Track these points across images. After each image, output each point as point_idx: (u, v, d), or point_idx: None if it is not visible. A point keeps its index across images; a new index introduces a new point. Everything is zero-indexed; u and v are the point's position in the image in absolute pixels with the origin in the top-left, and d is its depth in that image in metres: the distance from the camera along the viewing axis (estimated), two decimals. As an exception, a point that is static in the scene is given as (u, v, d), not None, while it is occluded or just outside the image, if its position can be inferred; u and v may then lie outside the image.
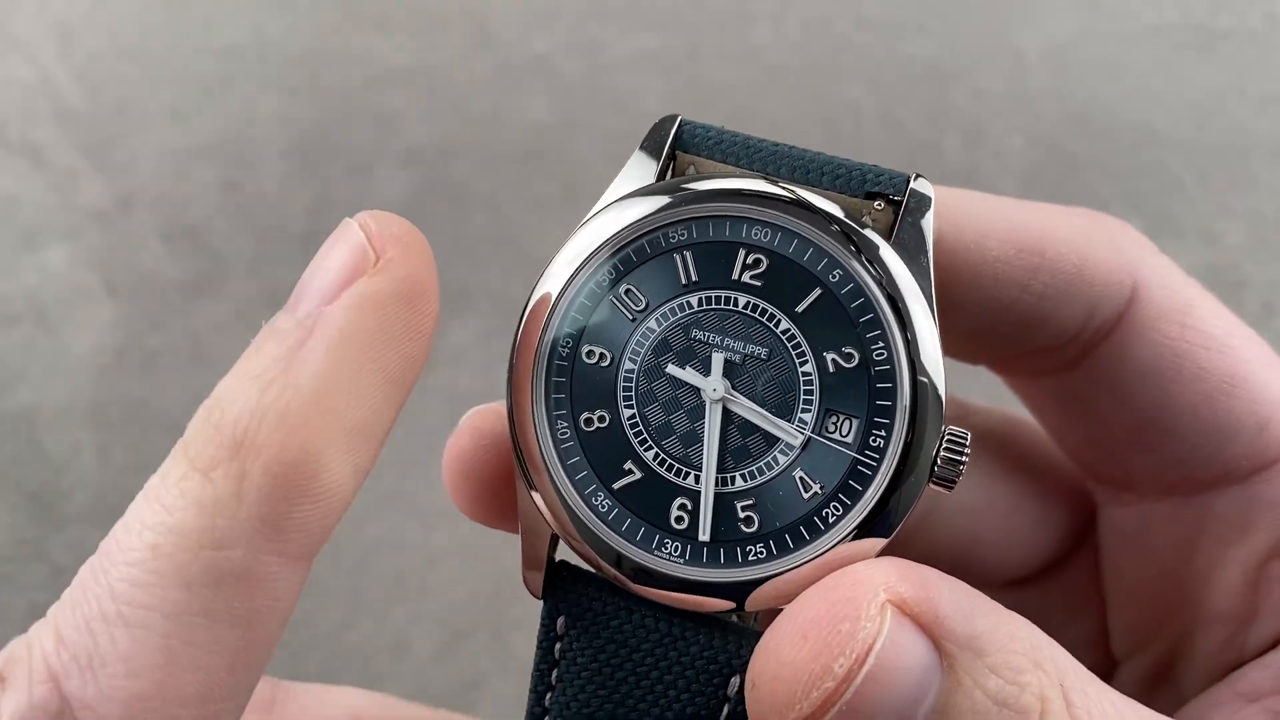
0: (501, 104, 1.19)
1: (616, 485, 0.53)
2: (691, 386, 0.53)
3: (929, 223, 0.53)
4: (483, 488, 0.58)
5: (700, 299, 0.53)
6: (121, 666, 0.43)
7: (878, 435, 0.51)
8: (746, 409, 0.52)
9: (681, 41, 1.19)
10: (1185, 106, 1.15)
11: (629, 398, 0.53)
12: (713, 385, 0.53)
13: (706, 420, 0.53)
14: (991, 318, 0.61)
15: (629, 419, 0.53)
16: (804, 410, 0.52)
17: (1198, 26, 1.15)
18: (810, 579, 0.48)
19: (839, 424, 0.52)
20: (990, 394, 0.72)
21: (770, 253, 0.53)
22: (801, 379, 0.52)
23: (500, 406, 0.57)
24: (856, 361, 0.52)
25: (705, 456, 0.53)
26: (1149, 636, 0.68)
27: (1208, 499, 0.63)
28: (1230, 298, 0.62)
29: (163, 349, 1.16)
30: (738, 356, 0.53)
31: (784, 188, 0.53)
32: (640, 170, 0.55)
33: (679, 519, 0.53)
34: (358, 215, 0.49)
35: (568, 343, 0.54)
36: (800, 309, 0.52)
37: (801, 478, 0.52)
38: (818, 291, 0.52)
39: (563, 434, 0.53)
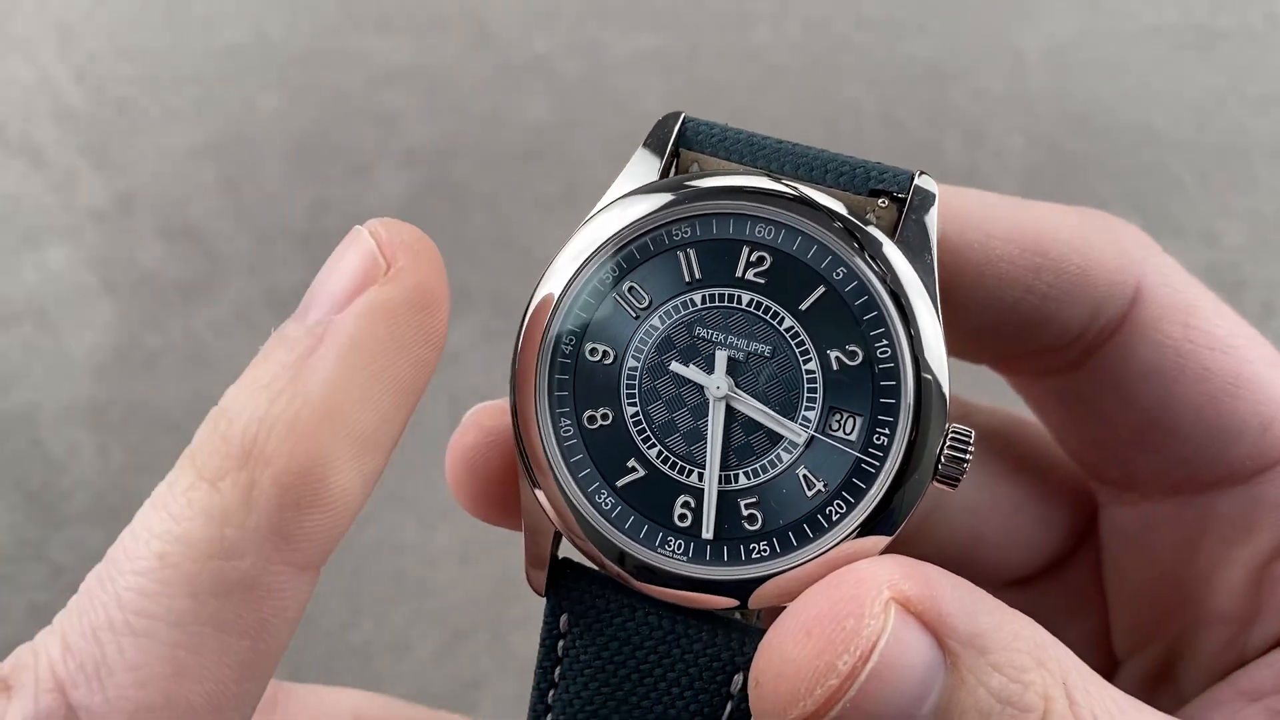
0: (501, 104, 1.19)
1: (620, 483, 0.53)
2: (695, 384, 0.53)
3: (933, 220, 0.53)
4: (486, 485, 0.58)
5: (704, 296, 0.53)
6: (128, 676, 0.43)
7: (881, 433, 0.51)
8: (750, 407, 0.52)
9: (681, 41, 1.19)
10: (1185, 106, 1.15)
11: (632, 395, 0.53)
12: (716, 383, 0.53)
13: (710, 418, 0.53)
14: (994, 317, 0.61)
15: (632, 417, 0.53)
16: (807, 408, 0.52)
17: (1198, 26, 1.15)
18: (813, 577, 0.48)
19: (843, 422, 0.52)
20: (993, 394, 0.72)
21: (774, 250, 0.53)
22: (805, 377, 0.52)
23: (503, 404, 0.57)
24: (860, 359, 0.52)
25: (708, 454, 0.53)
26: (1150, 636, 0.68)
27: (1210, 499, 0.63)
28: (1230, 298, 0.62)
29: (163, 349, 1.16)
30: (741, 354, 0.53)
31: (787, 185, 0.53)
32: (643, 167, 0.55)
33: (682, 517, 0.53)
34: (368, 223, 0.49)
35: (571, 340, 0.54)
36: (804, 306, 0.52)
37: (805, 475, 0.52)
38: (821, 289, 0.52)
39: (566, 431, 0.53)
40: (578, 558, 0.55)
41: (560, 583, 0.56)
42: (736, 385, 0.53)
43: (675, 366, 0.53)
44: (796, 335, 0.52)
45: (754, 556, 0.52)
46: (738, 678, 0.54)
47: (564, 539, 0.55)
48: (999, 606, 0.48)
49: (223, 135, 1.19)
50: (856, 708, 0.44)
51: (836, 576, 0.47)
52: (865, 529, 0.51)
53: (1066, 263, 0.59)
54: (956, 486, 0.51)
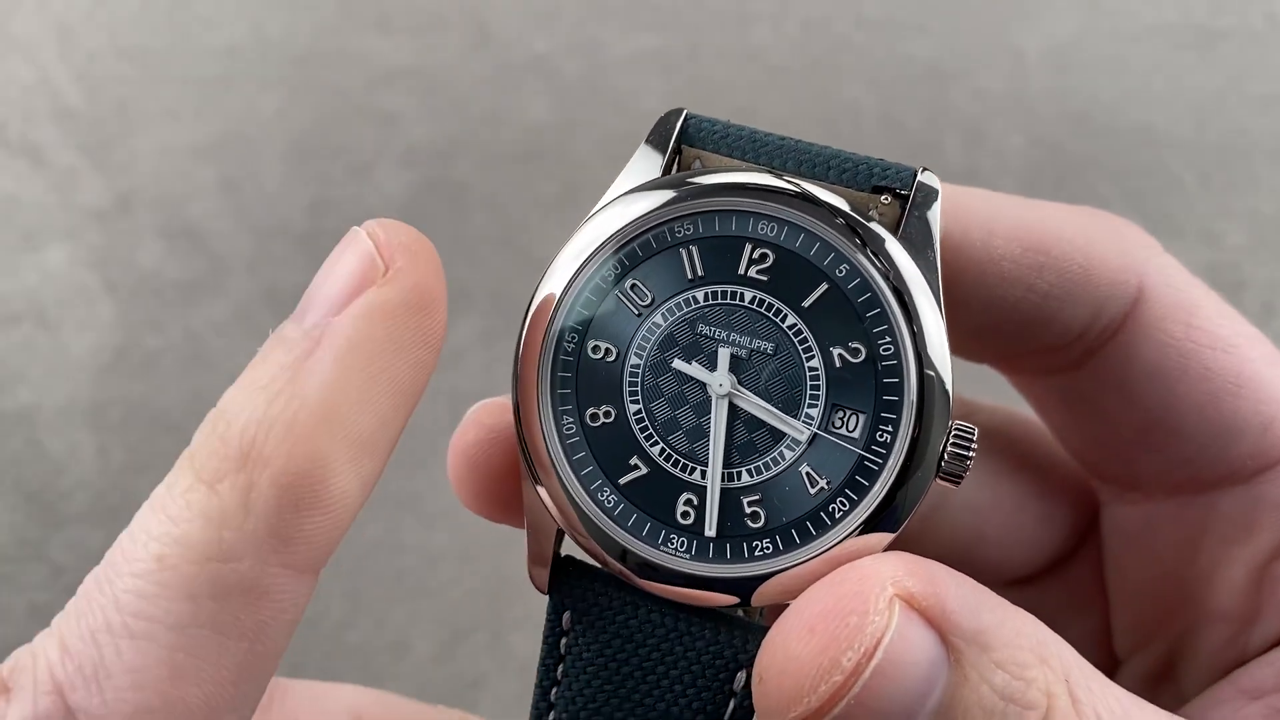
0: (501, 104, 1.19)
1: (622, 480, 0.53)
2: (697, 382, 0.53)
3: (936, 216, 0.53)
4: (488, 482, 0.58)
5: (706, 294, 0.53)
6: (127, 678, 0.42)
7: (884, 430, 0.51)
8: (752, 404, 0.52)
9: (681, 41, 1.19)
10: (1185, 106, 1.15)
11: (635, 393, 0.53)
12: (719, 380, 0.53)
13: (712, 415, 0.53)
14: (997, 316, 0.61)
15: (635, 414, 0.53)
16: (810, 405, 0.52)
17: (1198, 26, 1.15)
18: (816, 574, 0.48)
19: (845, 419, 0.52)
20: (995, 393, 0.72)
21: (776, 247, 0.53)
22: (808, 374, 0.52)
23: (505, 401, 0.57)
24: (863, 356, 0.52)
25: (711, 452, 0.53)
26: (1151, 635, 0.68)
27: (1212, 499, 0.63)
28: (1230, 298, 0.62)
29: (163, 349, 1.16)
30: (744, 351, 0.53)
31: (790, 182, 0.53)
32: (646, 164, 0.55)
33: (685, 514, 0.53)
34: (365, 224, 0.49)
35: (573, 338, 0.54)
36: (807, 304, 0.52)
37: (808, 473, 0.52)
38: (824, 286, 0.52)
39: (568, 429, 0.53)
40: (580, 555, 0.55)
41: (563, 580, 0.56)
42: (739, 383, 0.53)
43: (678, 364, 0.53)
44: (799, 332, 0.52)
45: (757, 554, 0.52)
46: (740, 675, 0.54)
47: (566, 537, 0.55)
48: (1002, 604, 0.48)
49: (223, 135, 1.19)
50: (860, 704, 0.44)
51: (840, 573, 0.47)
52: (868, 526, 0.51)
53: (1069, 262, 0.59)
54: (960, 484, 0.51)
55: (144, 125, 1.19)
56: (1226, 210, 1.14)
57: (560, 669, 0.56)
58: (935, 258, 0.52)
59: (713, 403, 0.53)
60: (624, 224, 0.53)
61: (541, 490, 0.54)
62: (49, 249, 1.17)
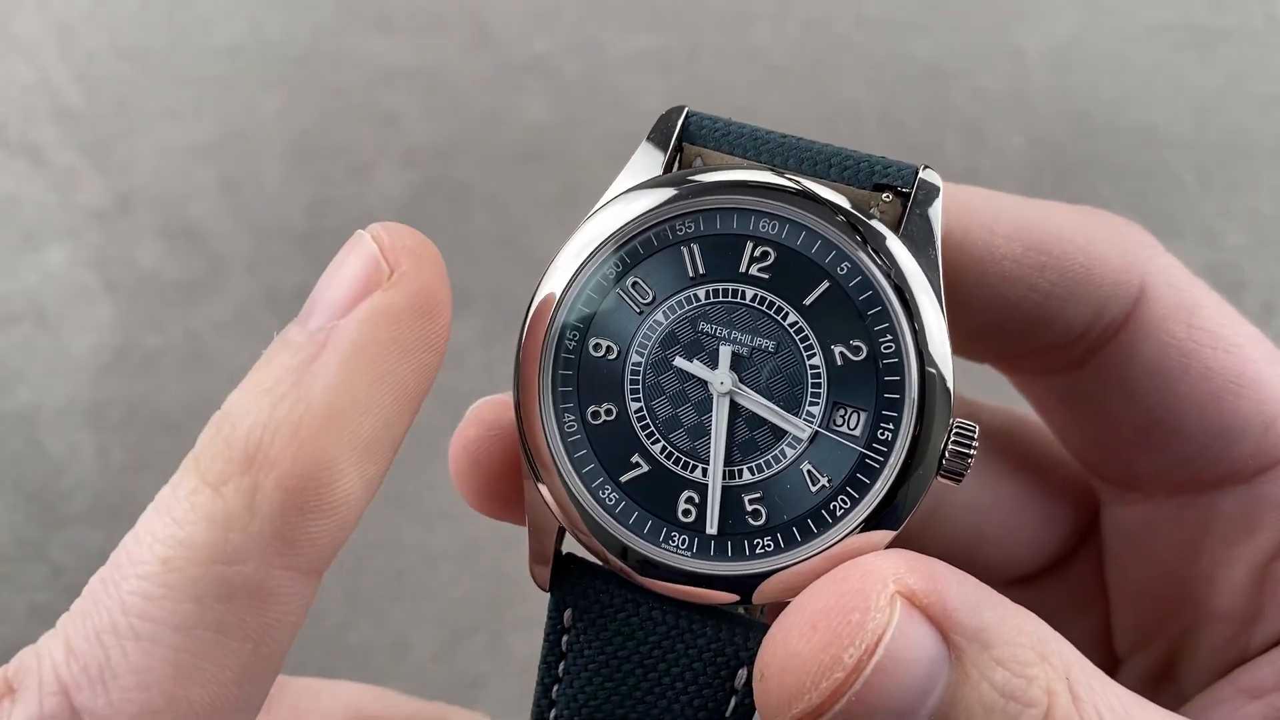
0: (501, 104, 1.19)
1: (624, 478, 0.53)
2: (699, 379, 0.53)
3: (937, 214, 0.53)
4: (489, 479, 0.58)
5: (708, 292, 0.53)
6: (132, 679, 0.43)
7: (885, 428, 0.51)
8: (754, 402, 0.52)
9: (681, 41, 1.18)
10: (1185, 106, 1.15)
11: (636, 391, 0.53)
12: (720, 378, 0.53)
13: (714, 413, 0.53)
14: (998, 315, 0.61)
15: (636, 412, 0.53)
16: (811, 403, 0.52)
17: (1198, 26, 1.15)
18: (818, 572, 0.48)
19: (847, 417, 0.52)
20: (995, 393, 0.72)
21: (778, 245, 0.53)
22: (809, 372, 0.52)
23: (506, 398, 0.57)
24: (864, 354, 0.52)
25: (712, 450, 0.53)
26: (1152, 635, 0.68)
27: (1213, 498, 0.63)
28: (1230, 298, 0.62)
29: (163, 349, 1.15)
30: (745, 349, 0.53)
31: (791, 179, 0.53)
32: (647, 161, 0.55)
33: (686, 512, 0.53)
34: (370, 227, 0.49)
35: (574, 335, 0.54)
36: (808, 301, 0.52)
37: (809, 471, 0.52)
38: (825, 284, 0.52)
39: (570, 427, 0.53)
40: (581, 553, 0.55)
41: (564, 578, 0.56)
42: (740, 380, 0.53)
43: (679, 362, 0.53)
44: (800, 330, 0.52)
45: (758, 552, 0.52)
46: (742, 672, 0.54)
47: (568, 534, 0.55)
48: (1003, 601, 0.48)
49: (223, 135, 1.19)
50: (861, 701, 0.44)
51: (842, 570, 0.47)
52: (869, 524, 0.51)
53: (1070, 261, 0.59)
54: (961, 481, 0.52)
55: (144, 125, 1.19)
56: (1226, 210, 1.14)
57: (562, 666, 0.56)
58: (936, 255, 0.52)
59: (714, 400, 0.53)
60: (625, 222, 0.54)
61: (543, 488, 0.54)
62: (49, 249, 1.17)
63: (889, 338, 0.51)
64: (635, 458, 0.53)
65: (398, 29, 1.20)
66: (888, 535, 0.51)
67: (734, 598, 0.52)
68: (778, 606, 0.49)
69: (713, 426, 0.53)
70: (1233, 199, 1.15)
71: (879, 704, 0.45)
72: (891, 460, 0.51)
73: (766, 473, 0.52)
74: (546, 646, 0.56)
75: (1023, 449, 0.71)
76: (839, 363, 0.52)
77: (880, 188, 0.54)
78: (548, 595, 0.57)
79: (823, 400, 0.52)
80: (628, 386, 0.53)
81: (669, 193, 0.53)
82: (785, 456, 0.52)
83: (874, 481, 0.51)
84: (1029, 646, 0.47)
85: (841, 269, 0.52)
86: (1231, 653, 0.63)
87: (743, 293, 0.53)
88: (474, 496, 0.59)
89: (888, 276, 0.51)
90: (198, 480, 0.45)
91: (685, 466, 0.53)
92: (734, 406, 0.53)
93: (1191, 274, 0.62)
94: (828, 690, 0.45)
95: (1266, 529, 0.61)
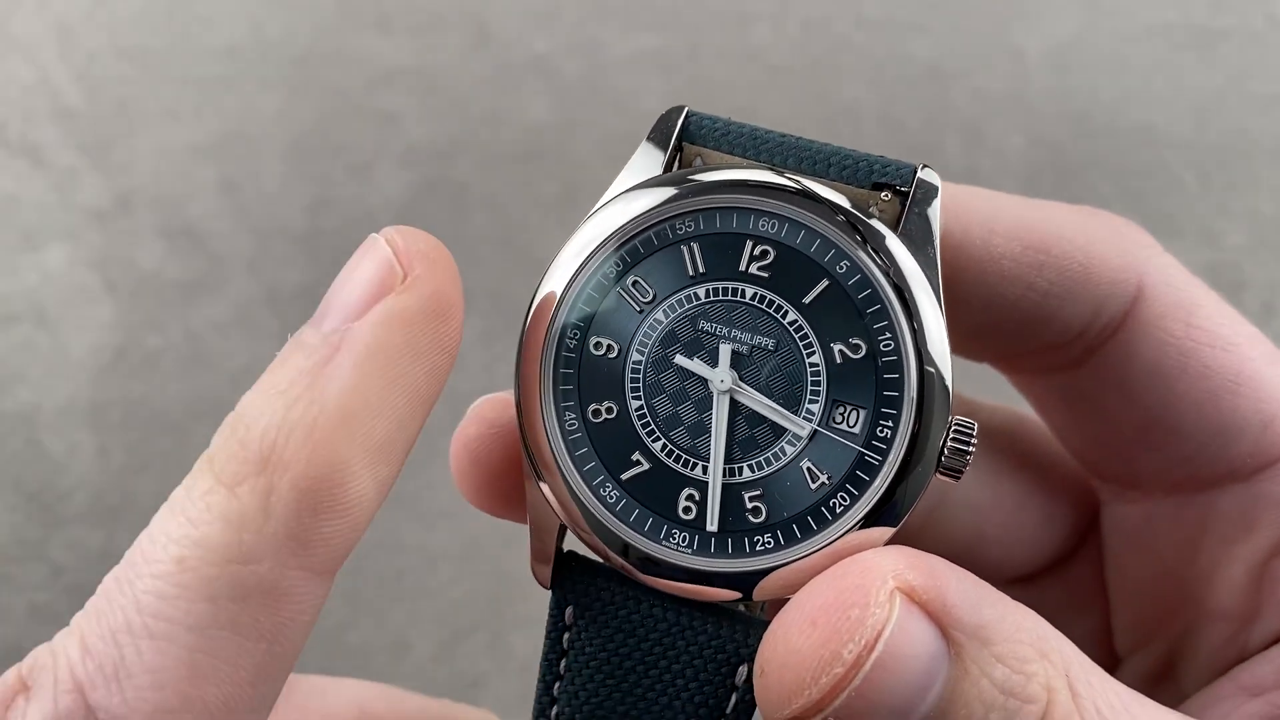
0: (501, 104, 1.19)
1: (624, 476, 0.53)
2: (699, 378, 0.53)
3: (936, 213, 0.53)
4: (490, 477, 0.58)
5: (708, 290, 0.53)
6: (147, 678, 0.43)
7: (885, 426, 0.51)
8: (754, 400, 0.53)
9: (681, 41, 1.19)
10: (1185, 106, 1.15)
11: (637, 389, 0.53)
12: (720, 376, 0.53)
13: (714, 411, 0.53)
14: (996, 315, 0.61)
15: (637, 410, 0.53)
16: (811, 401, 0.52)
17: (1198, 26, 1.16)
18: (818, 569, 0.48)
19: (846, 414, 0.52)
20: (994, 392, 0.72)
21: (777, 244, 0.53)
22: (809, 370, 0.52)
23: (507, 396, 0.57)
24: (864, 352, 0.52)
25: (713, 447, 0.53)
26: (1152, 634, 0.68)
27: (1212, 497, 0.63)
28: (1230, 298, 0.63)
29: (163, 349, 1.15)
30: (745, 348, 0.53)
31: (790, 179, 0.53)
32: (647, 161, 0.55)
33: (687, 509, 0.53)
34: (384, 230, 0.50)
35: (575, 334, 0.54)
36: (807, 300, 0.52)
37: (809, 468, 0.52)
38: (825, 282, 0.52)
39: (570, 425, 0.54)
40: (583, 551, 0.55)
41: (565, 576, 0.56)
42: (740, 378, 0.53)
43: (679, 360, 0.53)
44: (800, 328, 0.52)
45: (758, 549, 0.52)
46: (742, 669, 0.54)
47: (569, 532, 0.55)
48: (1002, 599, 0.48)
49: (223, 135, 1.19)
50: (861, 697, 0.45)
51: (842, 566, 0.47)
52: (869, 521, 0.51)
53: (1069, 260, 0.59)
54: (960, 478, 0.52)
55: (144, 125, 1.19)
56: (1226, 210, 1.15)
57: (563, 664, 0.56)
58: (935, 254, 0.53)
59: (714, 398, 0.53)
60: (625, 221, 0.54)
61: (544, 486, 0.54)
62: (49, 249, 1.17)
63: (888, 336, 0.52)
64: (636, 456, 0.53)
65: (398, 29, 1.20)
66: (887, 532, 0.51)
67: (734, 595, 0.52)
68: (778, 603, 0.49)
69: (713, 424, 0.53)
70: (1233, 199, 1.15)
71: (878, 700, 0.45)
72: (890, 457, 0.51)
73: (766, 470, 0.52)
74: (548, 644, 0.56)
75: (1023, 448, 0.71)
76: (838, 361, 0.52)
77: (879, 187, 0.54)
78: (548, 593, 0.57)
79: (822, 398, 0.52)
80: (628, 385, 0.53)
81: (669, 192, 0.53)
82: (785, 454, 0.52)
83: (873, 479, 0.51)
84: (1028, 643, 0.47)
85: (841, 267, 0.52)
86: (1231, 651, 0.63)
87: (742, 291, 0.53)
88: (475, 494, 0.59)
89: (887, 275, 0.52)
90: (213, 481, 0.45)
91: (686, 464, 0.53)
92: (734, 404, 0.53)
93: (1190, 273, 0.62)
94: (827, 686, 0.45)
95: (1265, 527, 0.62)
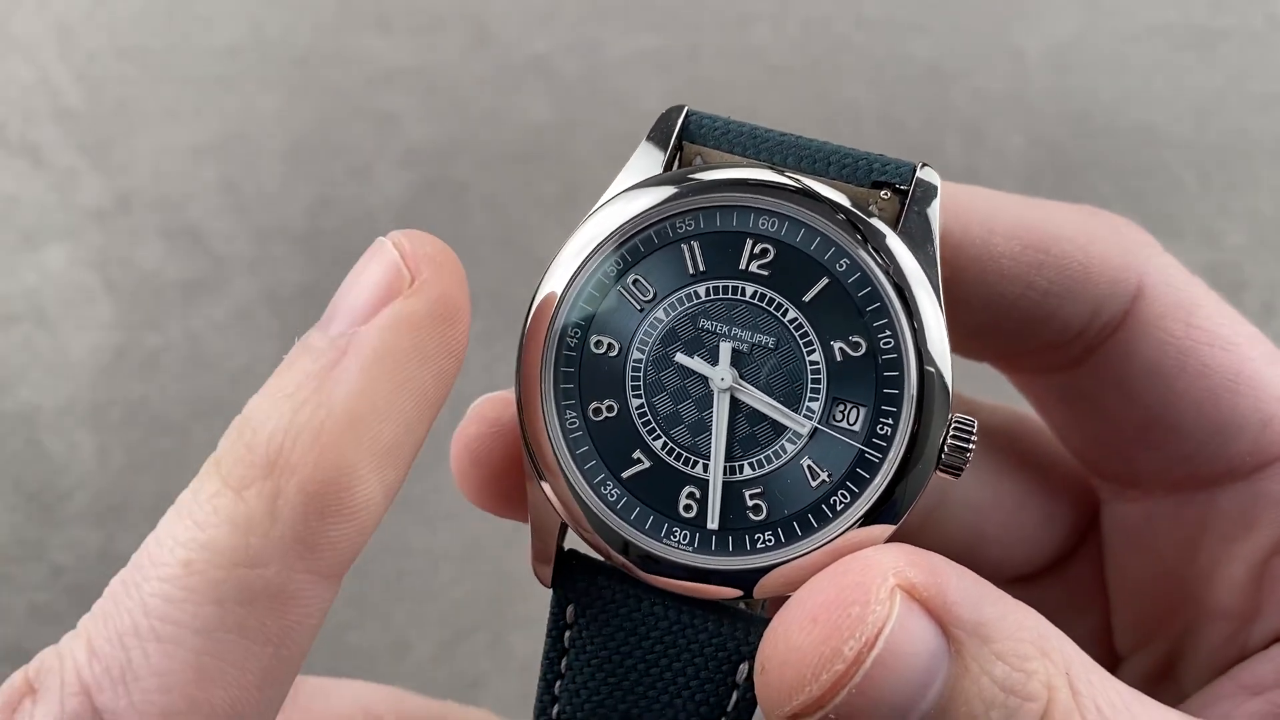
0: (501, 104, 1.19)
1: (625, 474, 0.53)
2: (699, 376, 0.53)
3: (935, 212, 0.53)
4: (491, 475, 0.58)
5: (708, 289, 0.53)
6: (154, 681, 0.43)
7: (885, 424, 0.52)
8: (754, 398, 0.53)
9: (681, 41, 1.19)
10: (1185, 106, 1.15)
11: (637, 387, 0.53)
12: (720, 374, 0.53)
13: (714, 409, 0.53)
14: (996, 314, 0.61)
15: (637, 409, 0.53)
16: (811, 399, 0.52)
17: (1198, 26, 1.16)
18: (818, 566, 0.48)
19: (846, 412, 0.52)
20: (994, 392, 0.72)
21: (777, 242, 0.53)
22: (809, 368, 0.52)
23: (508, 395, 0.57)
24: (864, 350, 0.52)
25: (713, 445, 0.53)
26: (1152, 633, 0.68)
27: (1211, 496, 0.63)
28: (1231, 298, 0.63)
29: (163, 349, 1.16)
30: (745, 346, 0.53)
31: (790, 177, 0.53)
32: (647, 160, 0.55)
33: (687, 507, 0.53)
34: (391, 234, 0.49)
35: (576, 333, 0.54)
36: (807, 298, 0.52)
37: (809, 466, 0.52)
38: (825, 281, 0.52)
39: (571, 424, 0.54)
40: (584, 549, 0.55)
41: (566, 574, 0.56)
42: (741, 377, 0.53)
43: (680, 358, 0.53)
44: (800, 327, 0.52)
45: (759, 547, 0.52)
46: (743, 667, 0.54)
47: (570, 531, 0.55)
48: (1003, 597, 0.48)
49: (223, 135, 1.19)
50: (861, 694, 0.44)
51: (842, 564, 0.47)
52: (869, 519, 0.51)
53: (1068, 260, 0.59)
54: (959, 476, 0.52)
55: (144, 125, 1.19)
56: (1226, 210, 1.15)
57: (564, 662, 0.56)
58: (935, 253, 0.53)
59: (715, 397, 0.53)
60: (625, 220, 0.54)
61: (545, 485, 0.54)
62: (49, 249, 1.17)
63: (888, 334, 0.52)
64: (637, 454, 0.53)
65: (397, 29, 1.20)
66: (887, 529, 0.51)
67: (735, 592, 0.52)
68: (779, 601, 0.49)
69: (713, 422, 0.53)
70: (1233, 199, 1.15)
71: (879, 697, 0.45)
72: (890, 455, 0.51)
73: (767, 468, 0.52)
74: (549, 642, 0.56)
75: (1023, 447, 0.71)
76: (838, 359, 0.52)
77: (879, 185, 0.54)
78: (549, 593, 0.57)
79: (822, 396, 0.52)
80: (629, 383, 0.53)
81: (669, 191, 0.53)
82: (785, 452, 0.52)
83: (873, 476, 0.51)
84: (1029, 641, 0.47)
85: (841, 266, 0.52)
86: (1231, 650, 0.63)
87: (743, 289, 0.53)
88: (475, 493, 0.59)
89: (887, 274, 0.52)
90: (219, 484, 0.45)
91: (686, 462, 0.53)
92: (734, 402, 0.53)
93: (1189, 273, 0.62)
94: (828, 683, 0.45)
95: (1265, 526, 0.62)
